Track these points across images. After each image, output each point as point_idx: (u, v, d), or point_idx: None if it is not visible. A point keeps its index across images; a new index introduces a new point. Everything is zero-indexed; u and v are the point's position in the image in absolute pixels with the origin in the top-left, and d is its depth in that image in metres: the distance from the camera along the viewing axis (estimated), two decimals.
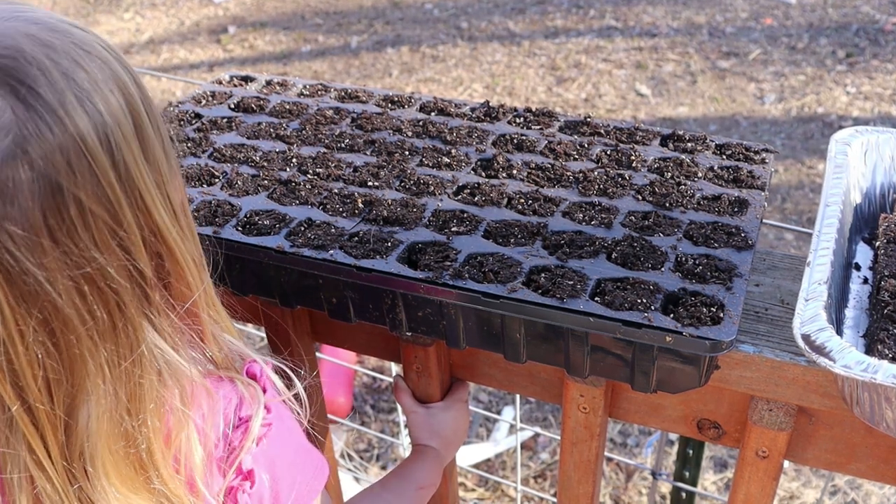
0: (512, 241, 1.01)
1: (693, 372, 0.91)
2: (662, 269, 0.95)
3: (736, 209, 1.06)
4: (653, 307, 0.89)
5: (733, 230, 1.02)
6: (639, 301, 0.90)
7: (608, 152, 1.21)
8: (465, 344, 1.01)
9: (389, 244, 1.01)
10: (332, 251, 1.00)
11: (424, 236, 1.03)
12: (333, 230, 1.05)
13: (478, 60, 5.05)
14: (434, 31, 5.47)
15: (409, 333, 1.05)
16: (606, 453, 1.33)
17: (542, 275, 0.95)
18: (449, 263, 0.97)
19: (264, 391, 0.85)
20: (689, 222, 1.04)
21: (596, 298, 0.91)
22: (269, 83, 1.50)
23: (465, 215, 1.07)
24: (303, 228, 1.06)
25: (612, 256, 0.98)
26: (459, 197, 1.12)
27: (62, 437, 0.69)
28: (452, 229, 1.04)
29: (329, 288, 1.04)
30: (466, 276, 0.95)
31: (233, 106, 1.41)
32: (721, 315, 0.88)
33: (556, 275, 0.95)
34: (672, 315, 0.88)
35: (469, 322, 0.98)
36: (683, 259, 0.97)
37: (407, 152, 1.22)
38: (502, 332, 0.97)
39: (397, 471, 1.16)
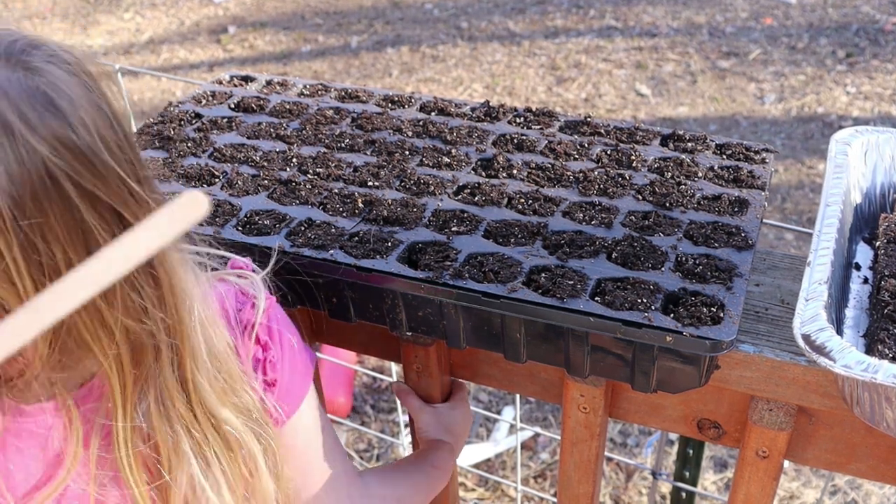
0: (512, 240, 1.01)
1: (693, 372, 0.91)
2: (662, 268, 0.95)
3: (736, 209, 1.06)
4: (653, 307, 0.89)
5: (733, 230, 1.02)
6: (639, 301, 0.89)
7: (608, 152, 1.21)
8: (465, 344, 1.01)
9: (389, 244, 1.01)
10: (332, 251, 1.00)
11: (424, 236, 1.03)
12: (333, 230, 1.05)
13: (478, 60, 5.05)
14: (434, 31, 5.47)
15: (409, 333, 1.05)
16: (606, 453, 1.33)
17: (543, 274, 0.95)
18: (449, 263, 0.97)
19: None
20: (690, 222, 1.04)
21: (596, 298, 0.91)
22: (269, 83, 1.50)
23: (466, 215, 1.07)
24: (303, 228, 1.06)
25: (613, 256, 0.98)
26: (460, 197, 1.12)
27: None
28: (452, 229, 1.04)
29: (329, 288, 1.04)
30: (466, 275, 0.95)
31: (233, 106, 1.41)
32: (721, 315, 0.88)
33: (557, 274, 0.94)
34: (672, 315, 0.88)
35: (469, 322, 0.98)
36: (683, 259, 0.97)
37: (407, 152, 1.22)
38: (502, 332, 0.97)
39: (411, 455, 1.19)
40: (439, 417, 1.20)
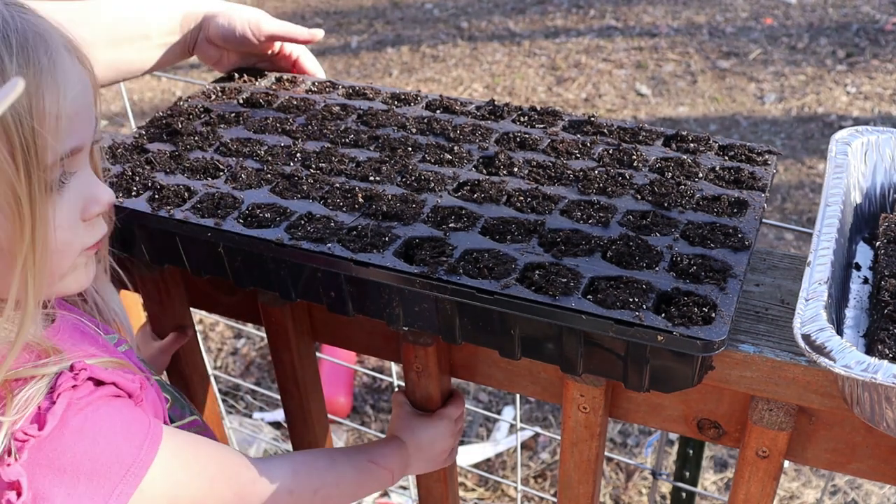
0: (508, 237, 1.01)
1: (686, 371, 0.91)
2: (657, 268, 0.95)
3: (735, 210, 1.06)
4: (645, 306, 0.88)
5: (731, 231, 1.02)
6: (631, 300, 0.89)
7: (610, 151, 1.20)
8: (461, 339, 1.01)
9: (387, 239, 1.01)
10: (329, 244, 1.00)
11: (422, 232, 1.03)
12: (333, 224, 1.05)
13: (478, 60, 5.05)
14: (434, 31, 5.47)
15: (405, 328, 1.05)
16: (606, 453, 1.33)
17: (537, 272, 0.95)
18: (444, 259, 0.97)
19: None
20: (687, 222, 1.04)
21: (589, 296, 0.91)
22: (279, 80, 1.50)
23: (464, 212, 1.07)
24: (303, 222, 1.06)
25: (608, 255, 0.97)
26: (459, 193, 1.11)
27: None
28: (450, 225, 1.04)
29: (327, 281, 1.04)
30: (461, 271, 0.95)
31: (242, 101, 1.41)
32: (713, 315, 0.87)
33: (551, 272, 0.94)
34: (664, 314, 0.88)
35: (464, 317, 0.98)
36: (679, 259, 0.97)
37: (410, 148, 1.22)
38: (497, 329, 0.97)
39: (357, 444, 1.15)
40: (413, 417, 1.19)
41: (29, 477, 0.76)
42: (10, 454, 0.76)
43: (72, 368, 0.82)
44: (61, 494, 0.78)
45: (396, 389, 1.22)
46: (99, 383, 0.84)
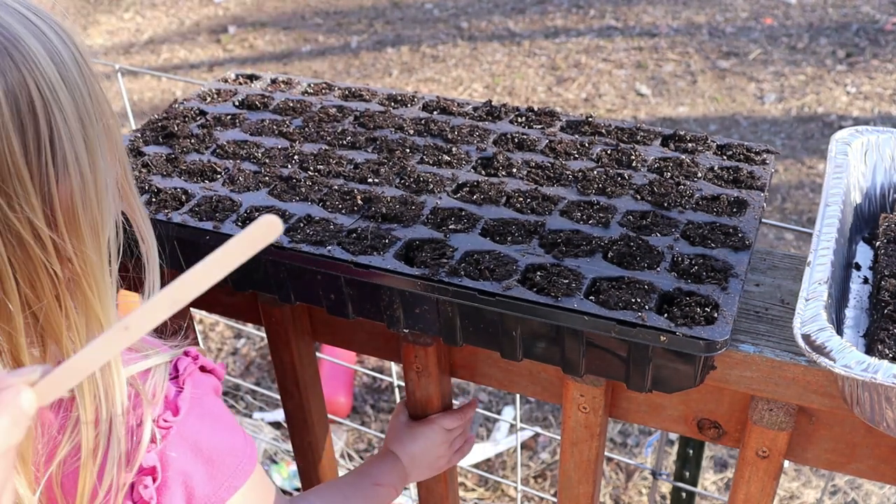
0: (509, 238, 1.01)
1: (688, 371, 0.91)
2: (658, 268, 0.95)
3: (734, 209, 1.06)
4: (647, 307, 0.89)
5: (731, 230, 1.02)
6: (633, 300, 0.89)
7: (608, 152, 1.20)
8: (462, 341, 1.00)
9: (387, 241, 1.01)
10: (329, 247, 1.00)
11: (422, 233, 1.03)
12: (332, 226, 1.05)
13: (478, 60, 5.05)
14: (434, 31, 5.47)
15: (405, 330, 1.05)
16: (606, 453, 1.32)
17: (538, 273, 0.94)
18: (445, 261, 0.97)
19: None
20: (687, 222, 1.04)
21: (591, 297, 0.91)
22: (274, 81, 1.50)
23: (464, 213, 1.07)
24: (302, 224, 1.06)
25: (609, 255, 0.97)
26: (458, 195, 1.11)
27: None
28: (450, 227, 1.04)
29: (327, 284, 1.04)
30: (462, 273, 0.94)
31: (237, 103, 1.41)
32: (715, 315, 0.87)
33: (552, 273, 0.94)
34: (666, 315, 0.88)
35: (465, 319, 0.98)
36: (680, 259, 0.97)
37: (408, 150, 1.22)
38: (499, 330, 0.97)
39: (357, 468, 1.16)
40: (406, 428, 1.18)
41: (166, 459, 0.79)
42: (152, 441, 0.78)
43: (187, 354, 0.84)
44: (191, 471, 0.80)
45: (396, 390, 1.22)
46: (203, 370, 0.86)
